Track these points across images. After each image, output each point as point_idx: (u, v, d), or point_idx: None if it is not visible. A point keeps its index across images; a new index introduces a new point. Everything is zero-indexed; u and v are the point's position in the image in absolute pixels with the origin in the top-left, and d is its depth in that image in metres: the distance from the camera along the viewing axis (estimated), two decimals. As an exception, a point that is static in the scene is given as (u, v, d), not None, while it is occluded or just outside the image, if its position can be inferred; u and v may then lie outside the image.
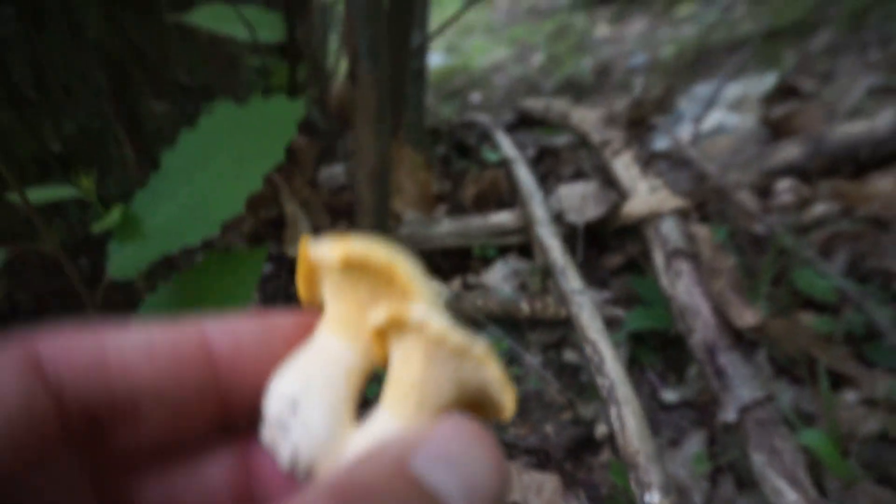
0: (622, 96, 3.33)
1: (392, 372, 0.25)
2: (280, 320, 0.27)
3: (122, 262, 0.78)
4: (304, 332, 0.27)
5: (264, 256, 0.85)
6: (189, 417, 0.25)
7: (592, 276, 1.50)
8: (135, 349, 0.23)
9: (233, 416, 0.26)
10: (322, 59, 1.83)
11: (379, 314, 0.24)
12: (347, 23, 1.19)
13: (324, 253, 0.25)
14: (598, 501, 1.06)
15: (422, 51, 1.74)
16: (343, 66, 2.04)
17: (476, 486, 0.20)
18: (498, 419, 0.27)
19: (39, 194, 0.80)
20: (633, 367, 1.28)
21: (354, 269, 0.25)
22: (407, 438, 0.21)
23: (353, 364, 0.26)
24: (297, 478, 0.24)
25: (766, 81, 2.02)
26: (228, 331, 0.26)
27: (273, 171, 1.52)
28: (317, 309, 0.28)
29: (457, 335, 0.24)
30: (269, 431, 0.25)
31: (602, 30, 4.52)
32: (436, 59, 5.16)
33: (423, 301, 0.25)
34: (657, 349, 1.28)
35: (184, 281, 0.88)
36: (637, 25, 4.43)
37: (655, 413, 1.20)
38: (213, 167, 0.78)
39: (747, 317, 0.94)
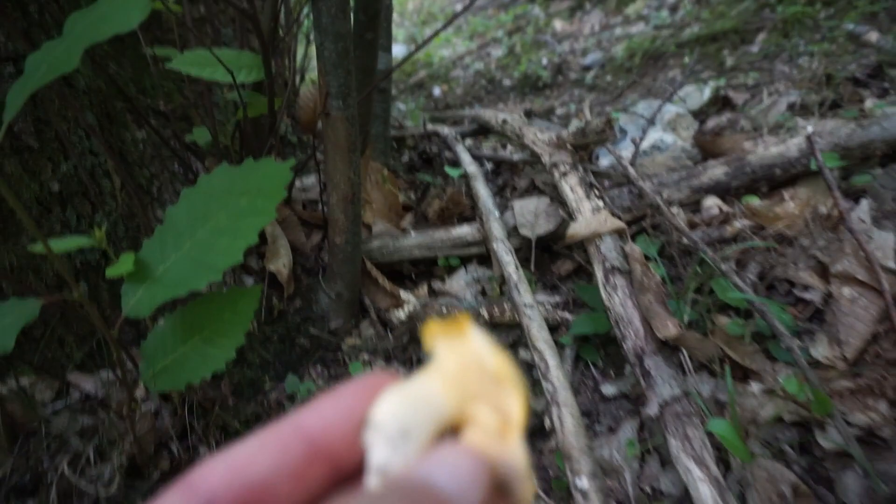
0: (576, 97, 3.50)
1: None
2: (354, 388, 0.34)
3: (136, 303, 0.91)
4: (374, 392, 0.34)
5: (259, 294, 0.99)
6: (309, 492, 0.33)
7: (545, 280, 1.67)
8: (255, 456, 0.32)
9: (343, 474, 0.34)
10: (293, 85, 1.94)
11: (491, 418, 0.34)
12: (319, 67, 1.31)
13: (483, 350, 0.34)
14: (547, 482, 1.25)
15: (388, 72, 1.86)
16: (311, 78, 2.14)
17: (458, 477, 0.28)
18: None
19: (60, 245, 0.92)
20: (579, 363, 1.47)
21: (498, 374, 0.34)
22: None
23: (447, 417, 0.34)
24: (369, 480, 0.31)
25: (704, 94, 2.21)
26: (319, 415, 0.33)
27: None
28: (381, 375, 0.35)
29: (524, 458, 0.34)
30: (376, 440, 0.31)
31: (559, 24, 4.66)
32: (397, 50, 5.23)
33: (517, 400, 0.35)
34: (599, 348, 1.46)
35: (186, 314, 1.01)
36: (592, 20, 4.59)
37: (596, 404, 1.39)
38: (213, 223, 0.91)
39: (668, 329, 1.12)
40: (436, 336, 0.35)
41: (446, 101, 4.18)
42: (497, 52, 4.65)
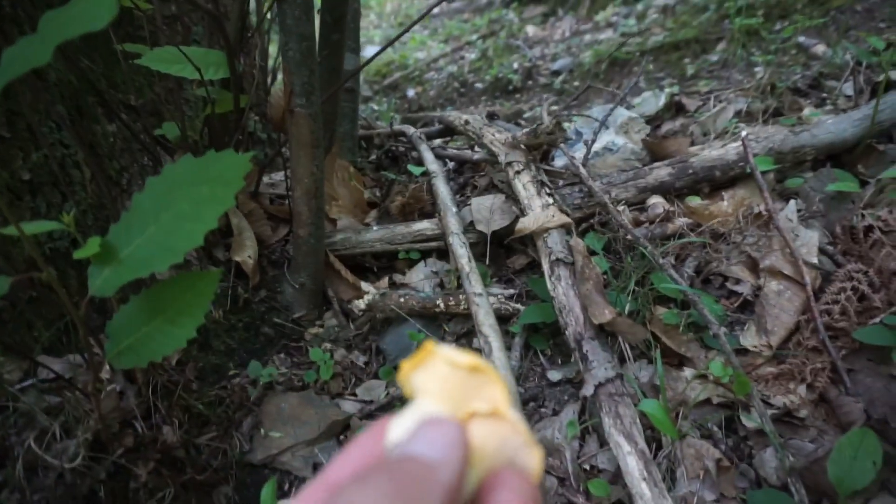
0: (544, 101, 3.60)
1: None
2: (366, 439, 0.39)
3: (102, 283, 0.97)
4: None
5: (218, 277, 1.06)
6: None
7: (499, 274, 1.76)
8: None
9: None
10: (263, 84, 2.00)
11: (483, 405, 0.39)
12: (283, 66, 1.38)
13: (455, 357, 0.40)
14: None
15: (356, 72, 1.93)
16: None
17: (435, 443, 0.32)
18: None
19: (31, 227, 0.97)
20: (528, 351, 1.55)
21: (473, 370, 0.40)
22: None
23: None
24: None
25: (657, 101, 2.32)
26: (342, 467, 0.38)
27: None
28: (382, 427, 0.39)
29: (526, 428, 0.39)
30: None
31: (531, 30, 4.78)
32: (372, 52, 5.30)
33: (509, 402, 0.40)
34: (549, 337, 1.55)
35: (150, 295, 1.08)
36: (563, 26, 4.71)
37: (543, 389, 1.47)
38: (176, 209, 0.98)
39: (604, 314, 1.21)
40: (410, 373, 0.41)
41: (420, 103, 4.26)
42: (471, 55, 4.75)
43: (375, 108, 4.18)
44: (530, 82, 3.95)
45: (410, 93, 4.46)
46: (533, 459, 0.39)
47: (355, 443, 0.41)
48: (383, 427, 0.40)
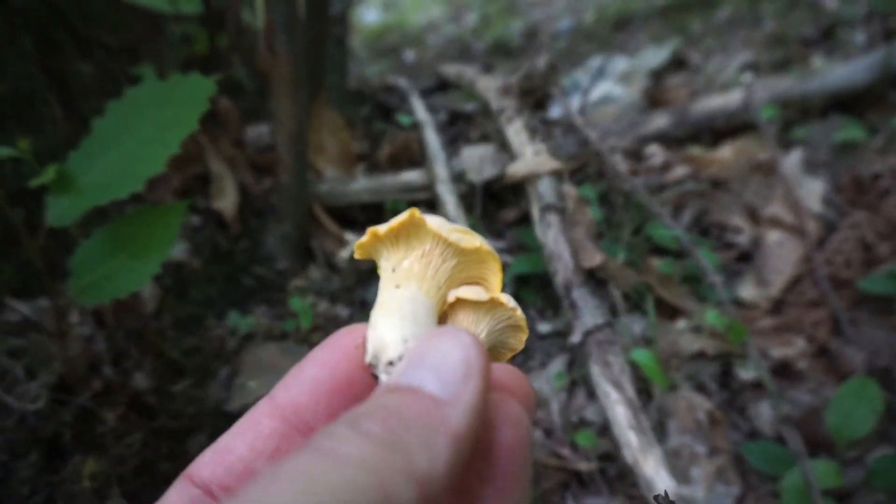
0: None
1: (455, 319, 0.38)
2: (316, 358, 0.36)
3: (59, 212, 0.92)
4: (336, 357, 0.35)
5: (185, 209, 1.00)
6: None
7: (491, 228, 1.70)
8: (234, 443, 0.35)
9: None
10: (245, 26, 1.92)
11: (479, 292, 0.37)
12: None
13: (446, 229, 0.36)
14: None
15: (343, 18, 1.85)
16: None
17: (445, 371, 0.27)
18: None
19: (-18, 153, 0.91)
20: (518, 303, 1.50)
21: (467, 249, 0.36)
22: (397, 368, 0.29)
23: (436, 308, 0.36)
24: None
25: (662, 54, 2.24)
26: (287, 391, 0.35)
27: (199, 132, 1.63)
28: (340, 336, 0.36)
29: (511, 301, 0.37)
30: (381, 355, 0.32)
31: (533, -9, 4.64)
32: (371, 15, 5.17)
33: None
34: (538, 290, 1.50)
35: (114, 229, 1.02)
36: (567, -13, 4.56)
37: (532, 342, 1.42)
38: (138, 133, 0.91)
39: (594, 259, 1.16)
40: (386, 243, 0.36)
41: (419, 66, 4.15)
42: (471, 17, 4.62)
43: (375, 70, 4.08)
44: (532, 43, 3.84)
45: (410, 56, 4.35)
46: (519, 340, 0.38)
47: (311, 359, 0.36)
48: (350, 336, 0.35)
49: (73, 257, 1.02)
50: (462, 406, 0.26)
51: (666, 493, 0.56)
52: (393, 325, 0.33)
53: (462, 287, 0.38)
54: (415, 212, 0.35)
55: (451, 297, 0.38)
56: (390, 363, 0.31)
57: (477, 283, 0.39)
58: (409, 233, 0.36)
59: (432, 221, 0.36)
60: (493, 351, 0.40)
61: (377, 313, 0.33)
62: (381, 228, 0.36)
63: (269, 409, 0.35)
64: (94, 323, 1.24)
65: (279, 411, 0.35)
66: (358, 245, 0.38)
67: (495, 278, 0.39)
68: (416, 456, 0.23)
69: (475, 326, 0.38)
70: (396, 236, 0.36)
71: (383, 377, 0.31)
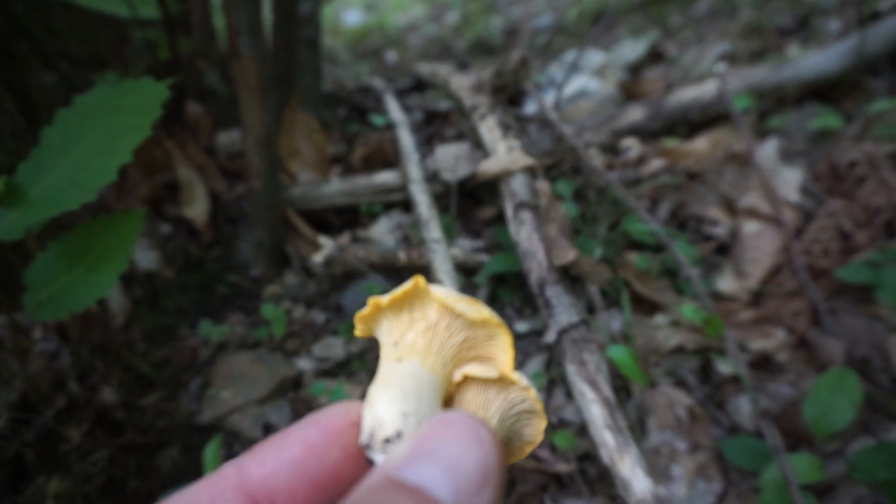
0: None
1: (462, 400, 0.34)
2: (299, 433, 0.31)
3: (9, 226, 0.88)
4: (322, 436, 0.30)
5: (142, 218, 0.97)
6: None
7: (467, 227, 1.67)
8: None
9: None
10: (216, 31, 1.89)
11: (488, 369, 0.34)
12: (226, 1, 1.28)
13: (453, 301, 0.33)
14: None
15: (313, 18, 1.83)
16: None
17: (459, 476, 0.22)
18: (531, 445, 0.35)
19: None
20: (495, 304, 1.48)
21: (476, 321, 0.33)
22: (397, 451, 0.24)
23: (441, 387, 0.33)
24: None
25: (639, 47, 2.22)
26: (261, 465, 0.30)
27: (166, 139, 1.60)
28: (330, 420, 0.31)
29: (523, 379, 0.34)
30: (377, 433, 0.29)
31: (513, -11, 4.62)
32: (353, 17, 5.14)
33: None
34: (516, 289, 1.47)
35: (69, 241, 0.99)
36: (547, -16, 4.55)
37: (511, 343, 1.40)
38: (88, 142, 0.88)
39: (567, 255, 1.13)
40: (388, 316, 0.33)
41: (400, 67, 4.13)
42: (452, 16, 4.60)
43: (356, 72, 4.05)
44: (512, 41, 3.82)
45: (391, 57, 4.33)
46: (537, 430, 0.33)
47: (295, 435, 0.31)
48: (343, 413, 0.31)
49: (29, 271, 0.98)
50: None
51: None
52: (392, 398, 0.30)
53: (469, 364, 0.35)
54: (419, 280, 0.33)
55: (458, 376, 0.35)
56: (387, 440, 0.28)
57: (485, 361, 0.36)
58: (413, 303, 0.34)
59: (438, 291, 0.33)
60: (508, 445, 0.36)
61: (375, 389, 0.31)
62: (384, 299, 0.33)
63: (236, 483, 0.30)
64: (59, 338, 1.20)
65: (249, 490, 0.29)
66: (358, 318, 0.35)
67: (506, 355, 0.36)
68: None
69: (485, 410, 0.34)
70: (399, 307, 0.34)
71: (378, 458, 0.28)
